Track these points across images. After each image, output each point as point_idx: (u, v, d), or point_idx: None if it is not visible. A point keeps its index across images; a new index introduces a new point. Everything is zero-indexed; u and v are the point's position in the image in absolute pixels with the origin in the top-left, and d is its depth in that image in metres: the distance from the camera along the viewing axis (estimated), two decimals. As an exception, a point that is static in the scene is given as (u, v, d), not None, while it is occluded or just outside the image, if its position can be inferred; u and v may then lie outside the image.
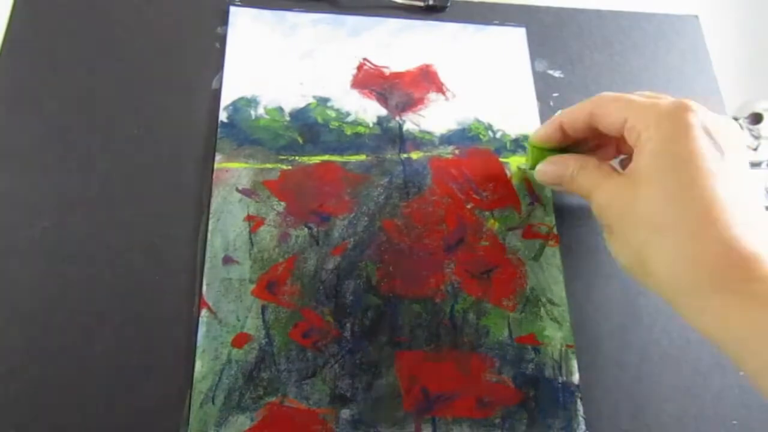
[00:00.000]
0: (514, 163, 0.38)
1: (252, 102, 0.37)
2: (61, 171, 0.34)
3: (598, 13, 0.45)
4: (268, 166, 0.35)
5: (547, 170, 0.33)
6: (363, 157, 0.37)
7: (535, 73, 0.41)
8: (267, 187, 0.35)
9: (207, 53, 0.38)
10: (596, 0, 0.47)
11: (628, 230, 0.27)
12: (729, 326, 0.24)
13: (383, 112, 0.38)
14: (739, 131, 0.29)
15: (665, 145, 0.26)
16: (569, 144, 0.33)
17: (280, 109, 0.37)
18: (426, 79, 0.40)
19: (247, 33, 0.39)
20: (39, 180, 0.33)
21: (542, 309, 0.34)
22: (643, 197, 0.26)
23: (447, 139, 0.38)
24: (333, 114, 0.38)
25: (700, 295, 0.25)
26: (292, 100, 0.38)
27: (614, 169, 0.30)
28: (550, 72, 0.42)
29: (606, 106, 0.29)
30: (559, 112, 0.33)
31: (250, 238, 0.33)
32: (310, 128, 0.37)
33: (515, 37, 0.42)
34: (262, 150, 0.36)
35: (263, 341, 0.31)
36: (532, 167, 0.35)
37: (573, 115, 0.31)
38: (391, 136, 0.38)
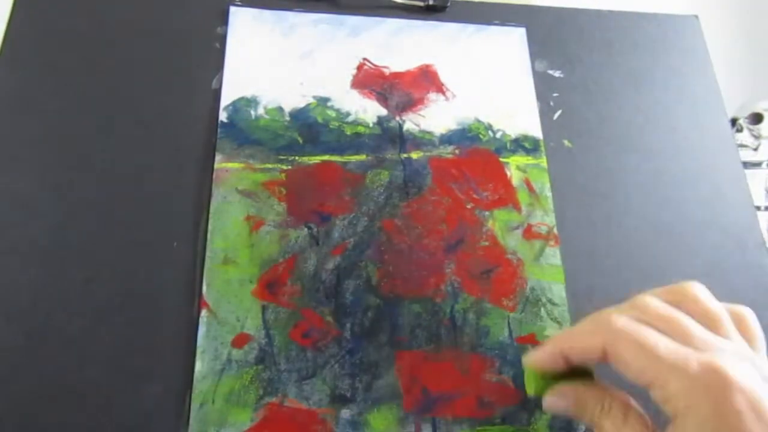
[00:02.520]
0: (514, 163, 0.38)
1: (252, 102, 0.37)
2: (61, 171, 0.34)
3: (598, 13, 0.45)
4: (268, 166, 0.35)
5: (558, 405, 0.27)
6: (363, 157, 0.37)
7: (535, 73, 0.41)
8: (267, 187, 0.35)
9: (207, 53, 0.38)
10: (596, 0, 0.47)
11: None
12: None
13: (383, 112, 0.38)
14: None
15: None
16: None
17: (280, 109, 0.37)
18: (426, 79, 0.40)
19: (247, 33, 0.39)
20: (39, 180, 0.33)
21: (542, 309, 0.34)
22: None
23: (447, 139, 0.38)
24: (333, 114, 0.38)
25: None
26: (292, 100, 0.38)
27: (641, 421, 0.24)
28: (550, 72, 0.42)
29: (623, 350, 0.23)
30: (559, 333, 0.26)
31: (250, 238, 0.33)
32: (310, 128, 0.37)
33: (515, 37, 0.42)
34: (262, 150, 0.36)
35: (263, 341, 0.31)
36: (537, 395, 0.28)
37: (581, 348, 0.25)
38: (391, 136, 0.38)
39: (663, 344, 0.23)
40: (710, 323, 0.24)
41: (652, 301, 0.25)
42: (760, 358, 0.24)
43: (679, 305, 0.25)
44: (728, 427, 0.20)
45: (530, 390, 0.28)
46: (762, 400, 0.21)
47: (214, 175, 0.34)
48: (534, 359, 0.27)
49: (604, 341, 0.24)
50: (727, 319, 0.25)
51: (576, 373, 0.26)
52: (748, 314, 0.26)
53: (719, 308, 0.25)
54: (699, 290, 0.25)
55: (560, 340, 0.26)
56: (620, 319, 0.24)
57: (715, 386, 0.21)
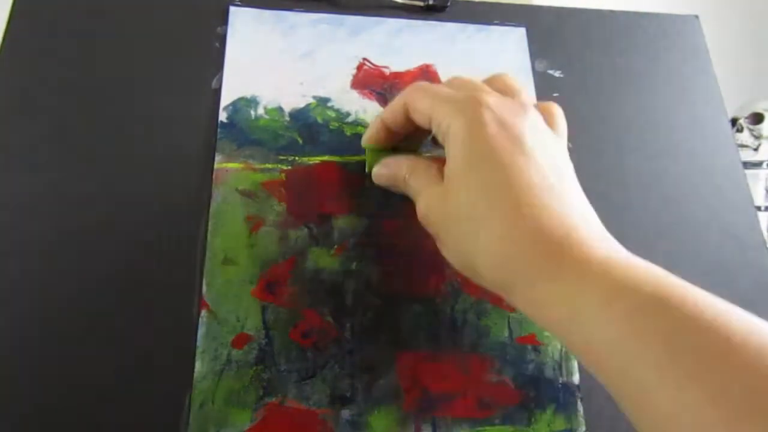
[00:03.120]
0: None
1: (252, 102, 0.37)
2: (61, 171, 0.34)
3: (598, 13, 0.45)
4: (268, 166, 0.35)
5: (381, 173, 0.32)
6: (363, 157, 0.37)
7: (535, 73, 0.41)
8: (267, 187, 0.35)
9: (207, 53, 0.38)
10: (596, 0, 0.47)
11: (449, 233, 0.28)
12: (551, 316, 0.24)
13: (383, 112, 0.38)
14: (535, 115, 0.27)
15: (466, 145, 0.26)
16: (406, 139, 0.32)
17: (280, 109, 0.37)
18: (426, 79, 0.40)
19: (247, 33, 0.39)
20: (39, 180, 0.33)
21: (542, 309, 0.34)
22: (455, 199, 0.26)
23: (447, 139, 0.38)
24: (333, 114, 0.38)
25: (521, 287, 0.25)
26: (292, 100, 0.38)
27: (440, 173, 0.28)
28: (550, 72, 0.42)
29: (415, 100, 0.28)
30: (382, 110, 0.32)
31: (250, 239, 0.33)
32: (309, 128, 0.37)
33: (515, 37, 0.42)
34: (262, 150, 0.36)
35: (263, 341, 0.31)
36: (370, 170, 0.33)
37: (392, 111, 0.30)
38: (391, 136, 0.38)
39: (446, 91, 0.28)
40: (507, 92, 0.29)
41: (458, 76, 0.30)
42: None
43: (488, 83, 0.30)
44: (476, 135, 0.26)
45: (367, 168, 0.33)
46: (507, 116, 0.26)
47: (214, 176, 0.34)
48: (367, 137, 0.33)
49: (405, 96, 0.29)
50: (525, 95, 0.29)
51: (405, 150, 0.32)
52: (556, 109, 0.30)
53: (520, 85, 0.29)
54: (510, 77, 0.30)
55: (381, 114, 0.31)
56: (420, 82, 0.30)
57: (470, 107, 0.26)
